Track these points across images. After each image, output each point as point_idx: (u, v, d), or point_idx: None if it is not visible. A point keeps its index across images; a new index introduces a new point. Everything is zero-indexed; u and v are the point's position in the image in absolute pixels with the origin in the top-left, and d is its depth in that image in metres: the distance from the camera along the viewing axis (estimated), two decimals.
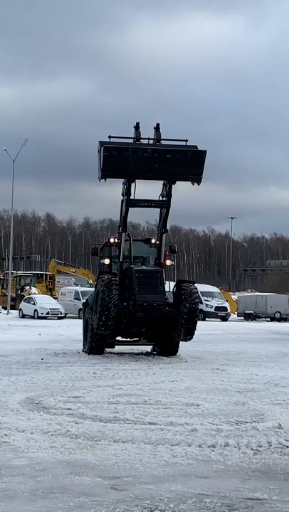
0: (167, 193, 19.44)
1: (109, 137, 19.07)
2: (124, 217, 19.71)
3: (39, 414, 10.56)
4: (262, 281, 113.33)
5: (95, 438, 9.07)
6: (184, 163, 18.71)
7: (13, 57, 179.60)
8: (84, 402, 11.73)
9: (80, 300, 48.79)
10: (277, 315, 55.34)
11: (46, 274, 67.62)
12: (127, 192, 19.18)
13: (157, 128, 19.96)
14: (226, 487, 7.01)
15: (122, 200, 19.57)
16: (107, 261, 20.70)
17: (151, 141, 19.75)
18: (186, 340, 19.57)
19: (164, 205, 19.76)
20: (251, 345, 25.36)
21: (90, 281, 66.84)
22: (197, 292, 19.87)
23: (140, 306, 18.92)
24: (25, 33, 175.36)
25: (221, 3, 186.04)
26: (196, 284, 20.84)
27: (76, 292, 50.48)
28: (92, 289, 53.30)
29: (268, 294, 61.33)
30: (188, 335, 19.36)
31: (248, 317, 56.96)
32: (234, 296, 69.81)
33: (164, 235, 20.09)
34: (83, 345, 20.96)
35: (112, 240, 20.75)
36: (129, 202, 19.38)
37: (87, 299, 21.89)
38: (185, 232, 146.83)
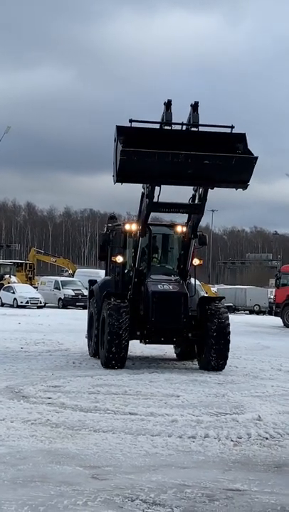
0: (201, 197, 15.48)
1: (130, 121, 14.72)
2: (143, 220, 15.74)
3: (19, 403, 10.56)
4: (241, 275, 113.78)
5: (75, 427, 9.08)
6: (226, 169, 14.63)
7: None
8: (64, 391, 11.73)
9: (59, 290, 48.77)
10: (257, 308, 55.60)
11: (26, 263, 67.35)
12: (149, 194, 15.13)
13: (195, 107, 15.33)
14: (206, 478, 7.05)
15: (143, 194, 15.55)
16: (119, 259, 16.62)
17: (184, 127, 15.50)
18: (214, 371, 15.45)
19: (196, 210, 15.89)
20: (230, 338, 25.40)
21: (70, 271, 66.81)
22: (227, 313, 16.32)
23: (156, 336, 15.82)
24: (5, 23, 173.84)
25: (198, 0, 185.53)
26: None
27: (56, 282, 50.35)
28: (72, 279, 53.47)
29: (247, 287, 61.56)
30: (218, 368, 15.54)
31: (227, 310, 57.05)
32: (214, 289, 70.06)
33: (193, 241, 16.31)
34: (88, 345, 17.75)
35: (127, 227, 16.53)
36: (151, 206, 15.33)
37: (92, 289, 18.11)
38: None
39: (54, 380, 12.90)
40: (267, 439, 8.94)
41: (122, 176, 14.59)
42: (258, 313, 55.13)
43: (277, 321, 36.15)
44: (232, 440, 8.75)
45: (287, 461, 7.96)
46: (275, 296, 39.54)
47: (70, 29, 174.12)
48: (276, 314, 37.15)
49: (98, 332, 16.19)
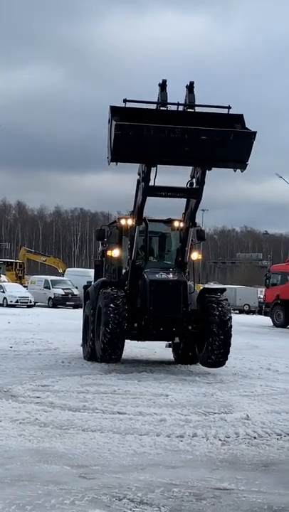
0: (199, 180, 14.75)
1: (125, 101, 14.18)
2: (139, 207, 15.03)
3: (8, 402, 10.54)
4: (231, 274, 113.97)
5: (63, 427, 9.08)
6: (224, 146, 14.05)
7: None
8: (53, 390, 11.72)
9: (49, 289, 48.73)
10: (246, 307, 55.70)
11: (16, 262, 67.26)
12: (145, 177, 14.45)
13: (190, 88, 14.89)
14: (194, 477, 7.06)
15: (138, 181, 14.93)
16: (116, 253, 16.02)
17: (180, 108, 15.03)
18: (215, 367, 15.09)
19: (194, 195, 15.13)
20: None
21: (60, 270, 66.73)
22: (229, 306, 15.40)
23: (154, 327, 15.05)
24: None
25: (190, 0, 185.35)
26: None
27: (46, 281, 50.31)
28: (62, 278, 53.42)
29: (237, 286, 61.66)
30: (218, 363, 15.02)
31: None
32: None
33: (191, 230, 15.66)
34: (83, 350, 16.84)
35: (123, 222, 15.99)
36: (147, 190, 14.61)
37: (87, 291, 17.17)
38: None
39: (43, 380, 12.89)
40: (255, 438, 8.97)
41: (117, 153, 13.93)
42: (247, 312, 55.21)
43: (267, 320, 36.25)
44: (220, 439, 8.77)
45: (275, 460, 8.00)
46: (264, 295, 39.62)
47: (60, 28, 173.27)
48: (266, 314, 37.26)
49: (94, 327, 15.54)
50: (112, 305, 14.52)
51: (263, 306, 39.25)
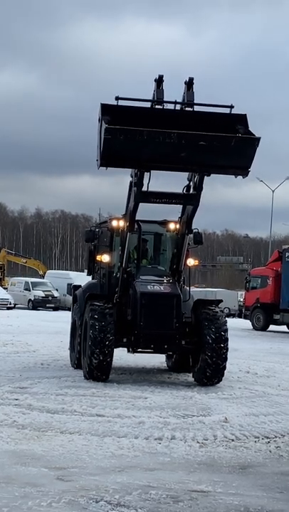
0: (196, 185, 13.66)
1: (117, 99, 12.95)
2: (131, 212, 13.88)
3: None
4: (212, 277, 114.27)
5: (41, 429, 9.06)
6: (224, 152, 12.93)
7: None
8: (31, 392, 11.69)
9: (29, 291, 48.57)
10: (226, 311, 55.83)
11: None
12: (137, 182, 13.35)
13: (189, 85, 13.58)
14: (171, 479, 7.08)
15: (131, 184, 13.79)
16: (106, 258, 15.00)
17: (178, 106, 13.74)
18: (208, 385, 13.80)
19: (191, 201, 14.04)
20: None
21: (41, 272, 66.54)
22: (225, 319, 14.39)
23: (145, 343, 13.94)
24: None
25: (163, 9, 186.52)
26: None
27: (26, 283, 50.13)
28: (42, 280, 53.28)
29: (217, 289, 61.85)
30: (213, 382, 13.91)
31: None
32: None
33: (187, 237, 14.56)
34: (70, 357, 16.06)
35: (114, 224, 14.77)
36: (140, 195, 13.47)
37: (75, 294, 16.33)
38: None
39: (21, 382, 12.85)
40: (233, 440, 9.01)
41: (107, 158, 12.78)
42: (227, 315, 55.20)
43: (247, 324, 36.37)
44: (198, 442, 8.80)
45: (252, 462, 8.03)
46: (244, 299, 39.74)
47: (38, 33, 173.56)
48: (246, 317, 37.40)
49: (81, 339, 14.52)
50: (99, 319, 13.44)
51: (243, 310, 39.38)
